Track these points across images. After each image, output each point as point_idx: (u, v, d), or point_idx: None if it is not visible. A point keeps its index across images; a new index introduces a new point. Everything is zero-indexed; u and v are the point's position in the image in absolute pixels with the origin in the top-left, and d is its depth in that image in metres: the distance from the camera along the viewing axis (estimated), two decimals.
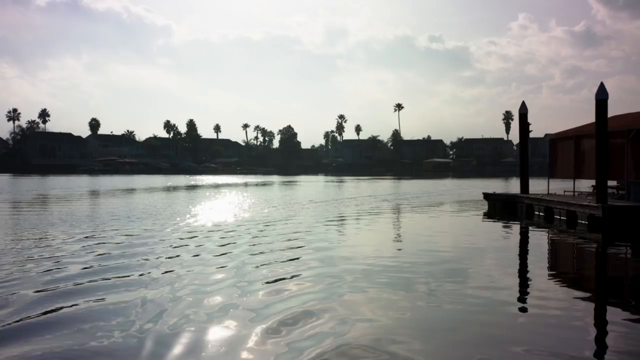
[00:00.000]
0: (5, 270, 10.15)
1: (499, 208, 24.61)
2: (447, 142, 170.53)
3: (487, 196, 26.27)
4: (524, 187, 24.84)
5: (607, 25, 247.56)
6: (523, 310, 8.07)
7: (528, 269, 11.71)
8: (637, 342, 6.65)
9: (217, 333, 6.64)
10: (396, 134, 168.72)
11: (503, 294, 8.81)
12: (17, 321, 7.03)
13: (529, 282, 10.14)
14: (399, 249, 13.89)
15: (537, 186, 25.17)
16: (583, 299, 8.90)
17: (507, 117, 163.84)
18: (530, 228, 18.94)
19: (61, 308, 7.61)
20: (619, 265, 12.42)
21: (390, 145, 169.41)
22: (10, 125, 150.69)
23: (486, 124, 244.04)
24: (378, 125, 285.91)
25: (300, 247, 13.35)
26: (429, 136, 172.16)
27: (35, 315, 7.27)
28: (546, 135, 56.07)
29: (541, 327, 7.04)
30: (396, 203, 29.95)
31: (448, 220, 22.37)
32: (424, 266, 11.04)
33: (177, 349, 6.11)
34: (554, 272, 11.48)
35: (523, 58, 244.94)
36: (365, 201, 31.09)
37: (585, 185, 26.28)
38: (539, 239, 16.66)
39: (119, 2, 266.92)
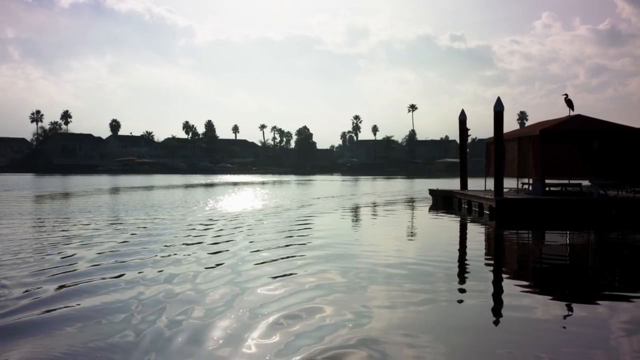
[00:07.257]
0: (7, 266, 10.29)
1: (440, 202, 28.40)
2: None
3: (431, 192, 30.19)
4: (463, 184, 28.45)
5: (632, 24, 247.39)
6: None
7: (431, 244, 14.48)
8: None
9: (217, 329, 6.67)
10: (411, 135, 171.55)
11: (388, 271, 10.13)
12: (20, 318, 7.05)
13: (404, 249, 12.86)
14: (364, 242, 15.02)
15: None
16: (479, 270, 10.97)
17: (522, 117, 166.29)
18: (452, 216, 22.85)
19: (61, 307, 7.57)
20: (509, 246, 15.36)
21: (405, 146, 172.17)
22: (33, 127, 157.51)
23: (507, 124, 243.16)
24: (399, 124, 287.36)
25: (295, 245, 13.63)
26: (446, 136, 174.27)
27: (34, 313, 7.26)
28: None
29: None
30: (375, 200, 33.37)
31: (400, 212, 25.41)
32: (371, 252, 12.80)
33: (186, 341, 6.21)
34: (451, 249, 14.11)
35: (547, 57, 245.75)
36: (347, 199, 34.83)
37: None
38: (452, 224, 20.44)
39: (141, 3, 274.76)
